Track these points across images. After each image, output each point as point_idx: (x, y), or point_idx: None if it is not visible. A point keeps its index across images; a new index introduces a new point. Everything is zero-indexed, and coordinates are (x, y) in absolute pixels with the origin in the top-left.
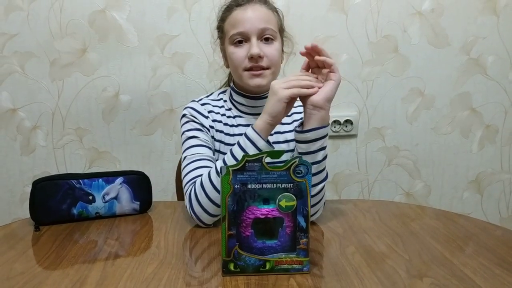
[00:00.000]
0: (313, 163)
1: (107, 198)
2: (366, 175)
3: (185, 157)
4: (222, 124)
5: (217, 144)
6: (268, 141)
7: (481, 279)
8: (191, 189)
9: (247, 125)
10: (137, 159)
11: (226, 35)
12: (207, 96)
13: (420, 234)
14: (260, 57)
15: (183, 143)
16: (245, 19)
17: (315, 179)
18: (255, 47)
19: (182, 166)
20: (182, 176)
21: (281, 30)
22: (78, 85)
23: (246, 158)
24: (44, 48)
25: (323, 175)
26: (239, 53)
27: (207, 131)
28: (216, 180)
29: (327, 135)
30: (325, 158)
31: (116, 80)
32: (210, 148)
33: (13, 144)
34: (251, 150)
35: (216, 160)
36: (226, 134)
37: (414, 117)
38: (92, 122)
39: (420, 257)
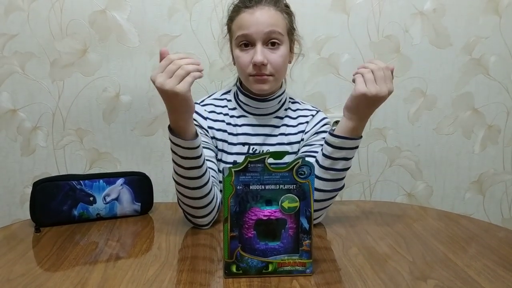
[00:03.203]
0: (330, 169)
1: (108, 199)
2: (367, 176)
3: None
4: (225, 124)
5: (220, 144)
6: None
7: (485, 281)
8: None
9: (251, 125)
10: (137, 160)
11: (233, 36)
12: (209, 96)
13: (423, 235)
14: (263, 64)
15: None
16: (251, 23)
17: (328, 185)
18: (259, 54)
19: None
20: None
21: (290, 31)
22: (79, 86)
23: (249, 159)
24: (44, 49)
25: (339, 184)
26: (244, 58)
27: (206, 132)
28: (184, 181)
29: (356, 147)
30: (346, 169)
31: (117, 80)
32: (210, 149)
33: (13, 145)
34: None
35: (219, 160)
36: (230, 133)
37: (416, 117)
38: (93, 122)
39: (423, 259)
